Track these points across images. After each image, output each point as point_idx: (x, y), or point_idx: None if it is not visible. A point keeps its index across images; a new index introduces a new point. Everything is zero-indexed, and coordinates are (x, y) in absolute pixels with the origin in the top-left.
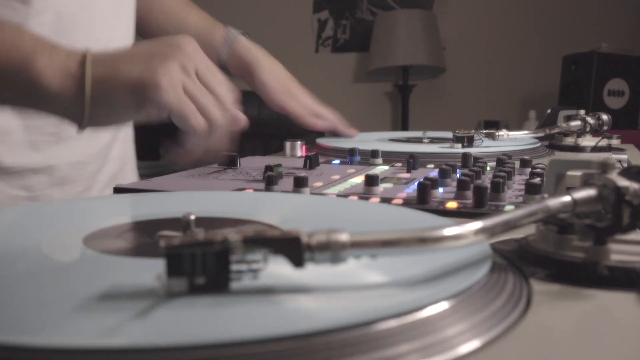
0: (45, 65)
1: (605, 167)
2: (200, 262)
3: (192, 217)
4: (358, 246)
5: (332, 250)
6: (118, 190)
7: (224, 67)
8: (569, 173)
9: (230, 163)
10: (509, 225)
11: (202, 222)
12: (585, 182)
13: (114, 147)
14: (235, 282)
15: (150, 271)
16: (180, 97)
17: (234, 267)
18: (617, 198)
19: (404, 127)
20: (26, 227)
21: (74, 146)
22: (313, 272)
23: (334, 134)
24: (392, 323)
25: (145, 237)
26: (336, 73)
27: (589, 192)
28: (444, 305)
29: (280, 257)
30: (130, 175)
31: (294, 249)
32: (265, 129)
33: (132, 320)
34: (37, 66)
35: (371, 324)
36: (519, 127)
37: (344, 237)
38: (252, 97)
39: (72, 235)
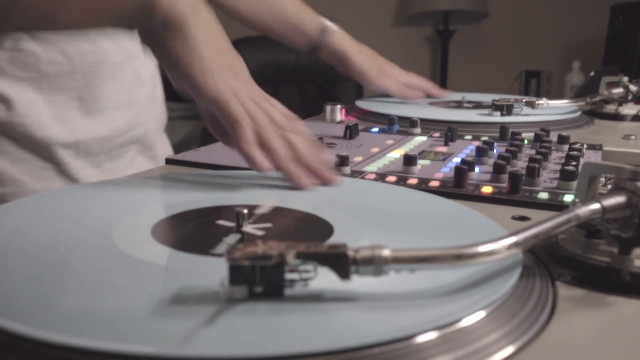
0: None
1: (636, 175)
2: (259, 273)
3: (245, 211)
4: (399, 261)
5: (375, 265)
6: (170, 161)
7: (315, 52)
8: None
9: None
10: (540, 237)
11: (252, 209)
12: (617, 186)
13: (141, 117)
14: (289, 289)
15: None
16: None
17: (288, 276)
18: None
19: (443, 74)
20: (91, 211)
21: (99, 120)
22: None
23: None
24: (432, 335)
25: (205, 226)
26: (376, 16)
27: (618, 199)
28: (480, 315)
29: (329, 269)
30: (160, 144)
31: (341, 263)
32: (302, 75)
33: (202, 328)
34: None
35: (412, 337)
36: (562, 79)
37: (386, 252)
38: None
39: (139, 225)
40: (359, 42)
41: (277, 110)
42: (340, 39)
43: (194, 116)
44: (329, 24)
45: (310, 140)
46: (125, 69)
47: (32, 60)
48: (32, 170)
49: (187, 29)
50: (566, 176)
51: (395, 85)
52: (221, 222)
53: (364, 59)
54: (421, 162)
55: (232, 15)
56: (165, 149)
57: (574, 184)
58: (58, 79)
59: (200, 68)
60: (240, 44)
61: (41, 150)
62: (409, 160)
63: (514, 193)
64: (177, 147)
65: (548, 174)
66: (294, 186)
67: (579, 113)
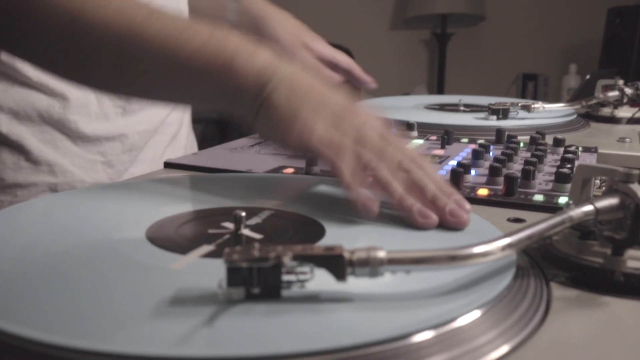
0: (242, 66)
1: (629, 177)
2: (256, 275)
3: (243, 213)
4: (394, 263)
5: (371, 266)
6: (168, 165)
7: (234, 27)
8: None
9: None
10: (534, 239)
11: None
12: (610, 188)
13: (173, 114)
14: (286, 291)
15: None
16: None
17: (285, 277)
18: (637, 211)
19: (440, 77)
20: (87, 214)
21: (140, 117)
22: (351, 279)
23: (349, 81)
24: (427, 334)
25: (201, 228)
26: (373, 19)
27: (611, 201)
28: (476, 314)
29: (325, 270)
30: (189, 139)
31: (337, 264)
32: None
33: (200, 329)
34: (236, 66)
35: (409, 336)
36: (559, 81)
37: (382, 254)
38: None
39: (135, 228)
40: (284, 11)
41: (400, 150)
42: (253, 1)
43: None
44: None
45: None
46: None
47: None
48: (81, 163)
49: (275, 106)
50: (561, 178)
51: (311, 60)
52: (219, 224)
53: (281, 25)
54: None
55: None
56: (192, 143)
57: (569, 186)
58: None
59: (300, 132)
60: None
61: (90, 144)
62: None
63: (510, 195)
64: None
65: (543, 177)
66: (420, 227)
67: (574, 116)
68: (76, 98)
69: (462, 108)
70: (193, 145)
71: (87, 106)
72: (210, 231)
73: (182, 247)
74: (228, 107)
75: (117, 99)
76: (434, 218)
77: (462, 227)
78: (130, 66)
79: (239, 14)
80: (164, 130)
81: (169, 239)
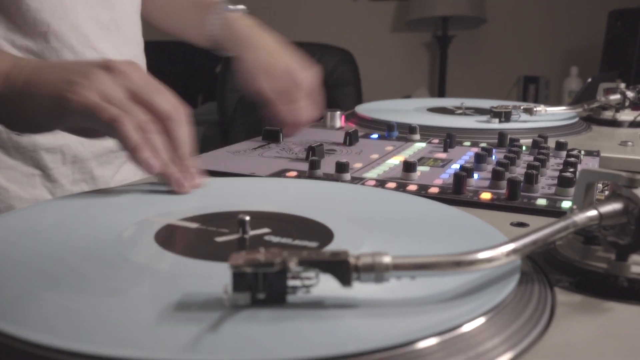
0: None
1: (633, 182)
2: (262, 280)
3: (247, 218)
4: (399, 268)
5: (376, 272)
6: None
7: (214, 45)
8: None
9: (272, 138)
10: (538, 244)
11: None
12: (613, 193)
13: None
14: (291, 296)
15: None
16: (96, 100)
17: (290, 282)
18: None
19: (441, 79)
20: (94, 218)
21: None
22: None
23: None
24: (432, 341)
25: (207, 232)
26: (374, 22)
27: (615, 206)
28: (480, 321)
29: (330, 276)
30: None
31: (342, 270)
32: None
33: (205, 334)
34: None
35: (413, 343)
36: (560, 84)
37: (387, 259)
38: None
39: (144, 232)
40: (269, 34)
41: (159, 92)
42: (236, 23)
43: (196, 122)
44: (227, 6)
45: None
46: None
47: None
48: (18, 177)
49: (18, 91)
50: (564, 183)
51: (272, 94)
52: (224, 229)
53: (257, 48)
54: (420, 169)
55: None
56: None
57: (572, 190)
58: None
59: (57, 91)
60: None
61: (26, 156)
62: (408, 166)
63: (513, 199)
64: None
65: (546, 180)
66: (175, 191)
67: (576, 119)
68: None
69: (464, 111)
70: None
71: None
72: (216, 235)
73: (187, 251)
74: None
75: None
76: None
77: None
78: None
79: (220, 28)
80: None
81: (175, 243)
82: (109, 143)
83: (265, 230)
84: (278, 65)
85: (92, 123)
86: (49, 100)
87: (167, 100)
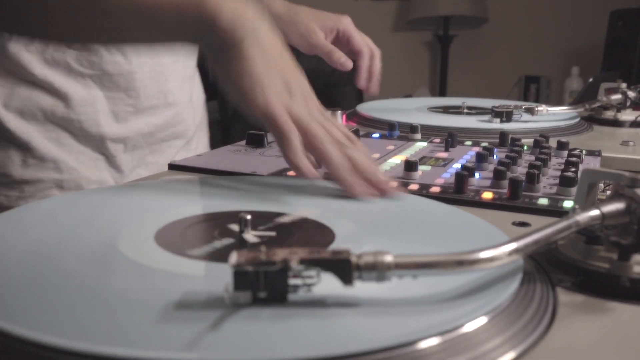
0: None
1: (635, 182)
2: (263, 278)
3: (248, 217)
4: (401, 267)
5: (378, 271)
6: (172, 167)
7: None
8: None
9: (256, 142)
10: (540, 244)
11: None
12: (616, 193)
13: (180, 115)
14: (292, 295)
15: (219, 277)
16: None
17: (291, 281)
18: None
19: (443, 79)
20: (94, 216)
21: (146, 117)
22: (358, 283)
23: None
24: (434, 341)
25: (208, 231)
26: (375, 21)
27: (617, 206)
28: (482, 320)
29: (332, 275)
30: (199, 140)
31: (344, 268)
32: None
33: (206, 333)
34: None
35: (415, 343)
36: (561, 84)
37: (388, 258)
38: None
39: (144, 231)
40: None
41: (337, 128)
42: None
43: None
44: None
45: (370, 159)
46: (171, 69)
47: (96, 59)
48: (86, 161)
49: (244, 50)
50: (566, 182)
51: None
52: (225, 227)
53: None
54: (422, 168)
55: None
56: (202, 144)
57: (574, 189)
58: (117, 77)
59: (251, 85)
60: None
61: (94, 143)
62: (409, 166)
63: (514, 199)
64: None
65: (548, 180)
66: (349, 195)
67: (577, 119)
68: (81, 97)
69: (465, 110)
70: (204, 148)
71: (93, 105)
72: (217, 234)
73: (188, 250)
74: (191, 40)
75: (90, 63)
76: (364, 191)
77: (389, 197)
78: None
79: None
80: (170, 131)
81: (175, 242)
82: (163, 134)
83: (267, 229)
84: (321, 16)
85: (268, 128)
86: (240, 87)
87: (339, 131)
